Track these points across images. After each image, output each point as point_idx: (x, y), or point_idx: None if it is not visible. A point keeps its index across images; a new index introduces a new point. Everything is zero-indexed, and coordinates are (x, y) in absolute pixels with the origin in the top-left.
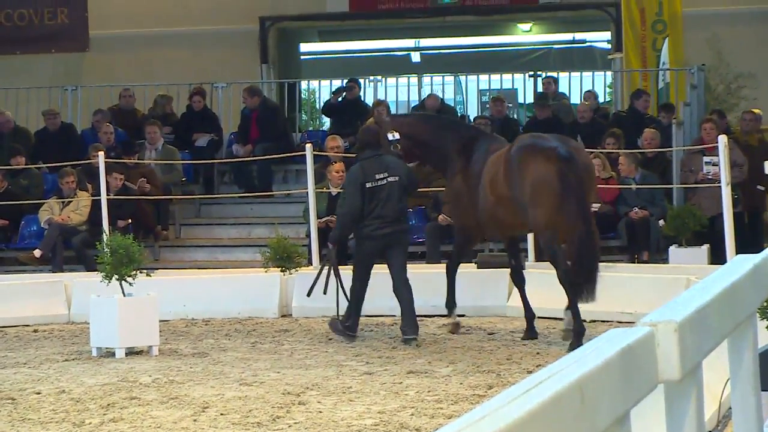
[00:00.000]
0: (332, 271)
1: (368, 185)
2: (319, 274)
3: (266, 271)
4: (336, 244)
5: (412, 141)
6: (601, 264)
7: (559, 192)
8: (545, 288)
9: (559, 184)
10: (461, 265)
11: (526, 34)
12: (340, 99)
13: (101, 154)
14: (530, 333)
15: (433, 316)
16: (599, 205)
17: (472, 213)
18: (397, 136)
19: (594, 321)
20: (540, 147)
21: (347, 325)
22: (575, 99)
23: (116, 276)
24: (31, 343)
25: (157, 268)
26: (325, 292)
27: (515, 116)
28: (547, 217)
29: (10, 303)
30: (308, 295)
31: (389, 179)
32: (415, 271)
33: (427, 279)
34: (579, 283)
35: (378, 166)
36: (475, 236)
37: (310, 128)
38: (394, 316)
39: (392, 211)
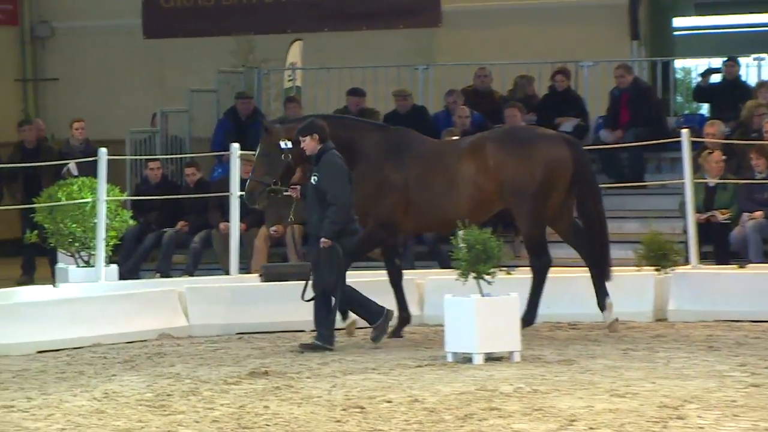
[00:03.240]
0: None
1: (350, 176)
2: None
3: (639, 271)
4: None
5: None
6: None
7: (571, 177)
8: None
9: (574, 168)
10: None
11: None
12: (710, 81)
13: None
14: (397, 333)
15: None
16: None
17: (410, 208)
18: (289, 144)
19: None
20: (548, 135)
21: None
22: None
23: (473, 274)
24: (380, 347)
25: (518, 266)
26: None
27: None
28: (551, 207)
29: None
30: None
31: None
32: None
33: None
34: (596, 262)
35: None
36: (392, 232)
37: (686, 112)
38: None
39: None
